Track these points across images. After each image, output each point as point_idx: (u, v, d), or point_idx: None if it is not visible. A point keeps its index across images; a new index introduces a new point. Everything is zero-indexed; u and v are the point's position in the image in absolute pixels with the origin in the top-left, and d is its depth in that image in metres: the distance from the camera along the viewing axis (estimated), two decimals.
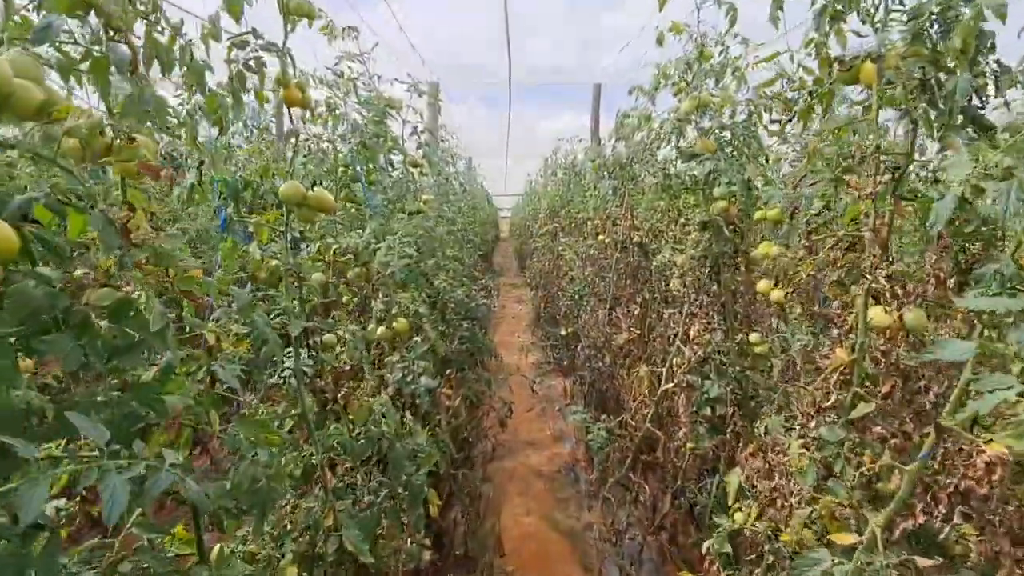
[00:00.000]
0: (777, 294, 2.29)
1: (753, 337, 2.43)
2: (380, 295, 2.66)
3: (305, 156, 2.68)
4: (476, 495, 2.90)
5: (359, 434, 1.85)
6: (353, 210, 3.19)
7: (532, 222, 11.84)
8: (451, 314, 3.67)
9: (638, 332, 3.85)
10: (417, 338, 2.75)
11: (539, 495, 3.98)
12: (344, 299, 2.92)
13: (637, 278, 4.08)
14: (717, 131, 2.63)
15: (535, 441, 4.89)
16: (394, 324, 2.52)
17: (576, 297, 5.26)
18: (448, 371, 3.42)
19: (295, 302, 1.85)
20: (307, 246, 2.96)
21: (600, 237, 4.28)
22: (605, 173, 4.40)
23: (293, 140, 1.51)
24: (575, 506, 3.85)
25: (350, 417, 1.82)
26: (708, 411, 2.76)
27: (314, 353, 1.71)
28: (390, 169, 3.19)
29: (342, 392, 1.73)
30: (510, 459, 4.53)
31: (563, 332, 5.63)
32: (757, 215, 2.37)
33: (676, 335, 3.19)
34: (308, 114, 3.08)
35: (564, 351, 6.10)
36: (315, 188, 1.50)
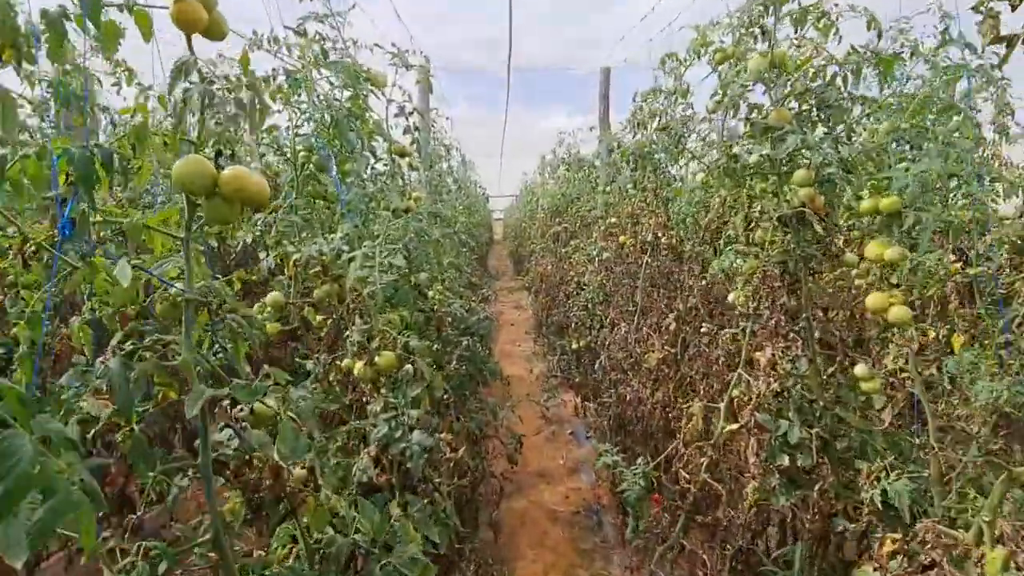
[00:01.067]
0: (899, 313, 1.68)
1: (859, 370, 1.82)
2: (358, 319, 2.02)
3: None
4: (488, 575, 2.28)
5: (317, 544, 1.22)
6: (325, 209, 2.56)
7: (529, 223, 11.19)
8: (448, 329, 3.03)
9: (672, 350, 3.24)
10: (409, 367, 2.11)
11: (556, 545, 3.35)
12: (315, 322, 2.28)
13: (668, 287, 3.46)
14: (795, 99, 2.03)
15: (547, 472, 4.26)
16: (376, 359, 1.88)
17: (589, 307, 4.64)
18: (446, 396, 2.78)
19: (216, 350, 1.21)
20: (267, 256, 2.32)
21: (622, 239, 3.66)
22: (624, 164, 3.78)
23: (181, 78, 0.87)
24: (601, 560, 3.22)
25: (304, 522, 1.18)
26: (785, 460, 2.16)
27: (240, 430, 1.07)
28: (371, 158, 2.56)
29: (287, 489, 1.09)
30: (519, 497, 3.89)
31: (574, 346, 5.00)
32: (864, 205, 1.76)
33: (729, 356, 2.58)
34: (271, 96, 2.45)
35: (574, 364, 5.47)
36: (221, 160, 0.87)
